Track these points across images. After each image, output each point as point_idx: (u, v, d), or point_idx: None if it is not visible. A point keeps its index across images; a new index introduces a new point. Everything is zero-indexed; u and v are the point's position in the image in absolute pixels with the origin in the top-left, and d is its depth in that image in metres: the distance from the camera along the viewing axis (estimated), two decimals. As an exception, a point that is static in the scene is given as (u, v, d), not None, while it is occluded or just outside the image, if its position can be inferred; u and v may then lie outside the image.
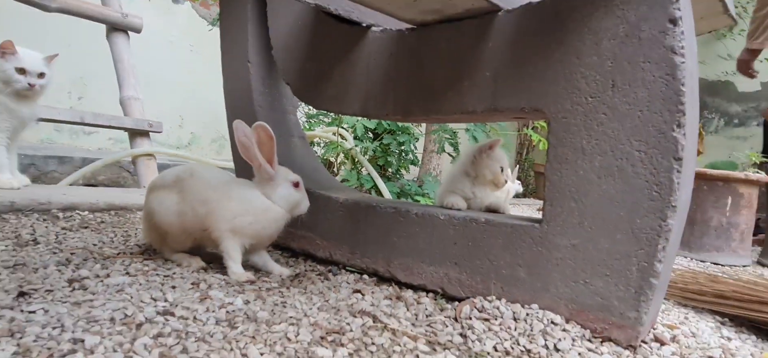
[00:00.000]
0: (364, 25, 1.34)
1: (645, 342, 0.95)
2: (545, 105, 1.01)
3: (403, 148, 3.47)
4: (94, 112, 2.86)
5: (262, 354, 0.74)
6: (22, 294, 0.87)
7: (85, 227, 1.65)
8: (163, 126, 3.16)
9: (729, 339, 1.09)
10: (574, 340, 0.91)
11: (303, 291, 1.12)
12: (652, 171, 0.89)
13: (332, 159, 3.46)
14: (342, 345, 0.82)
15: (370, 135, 3.54)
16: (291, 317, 0.92)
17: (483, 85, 1.10)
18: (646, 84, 0.89)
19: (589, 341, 0.92)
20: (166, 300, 0.93)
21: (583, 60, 0.96)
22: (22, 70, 1.88)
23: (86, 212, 1.92)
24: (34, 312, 0.79)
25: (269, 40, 1.60)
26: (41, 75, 1.94)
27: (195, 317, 0.86)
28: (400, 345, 0.85)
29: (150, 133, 3.03)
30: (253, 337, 0.80)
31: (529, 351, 0.88)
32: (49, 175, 3.11)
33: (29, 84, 1.89)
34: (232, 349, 0.74)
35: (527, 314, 0.99)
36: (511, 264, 1.05)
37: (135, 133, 2.99)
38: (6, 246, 1.25)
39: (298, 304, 1.01)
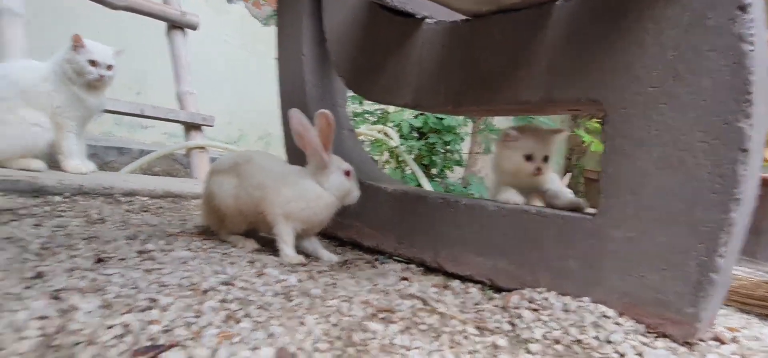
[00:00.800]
0: (418, 17, 1.38)
1: (703, 340, 0.94)
2: (603, 96, 1.01)
3: (448, 147, 3.48)
4: (153, 106, 3.04)
5: (318, 323, 0.79)
6: (99, 260, 0.96)
7: (145, 211, 1.77)
8: (215, 121, 3.32)
9: (797, 347, 1.05)
10: (627, 333, 0.91)
11: (352, 276, 1.17)
12: (715, 162, 0.87)
13: (377, 157, 3.51)
14: (393, 322, 0.86)
15: (416, 134, 3.57)
16: (342, 295, 0.96)
17: (538, 75, 1.12)
18: (710, 73, 0.88)
19: (643, 335, 0.91)
20: (226, 273, 0.99)
21: (644, 49, 0.96)
22: (93, 62, 2.04)
23: (146, 198, 2.05)
24: (111, 275, 0.87)
25: (323, 34, 1.66)
26: (110, 67, 2.10)
27: (254, 289, 0.92)
28: (449, 327, 0.88)
29: (202, 126, 3.18)
30: (309, 309, 0.85)
31: (579, 341, 0.89)
32: (109, 164, 3.32)
33: (100, 75, 2.05)
34: (291, 317, 0.79)
35: (578, 306, 0.99)
36: (562, 256, 1.06)
37: (189, 127, 3.15)
38: (79, 223, 1.37)
39: (349, 286, 1.06)
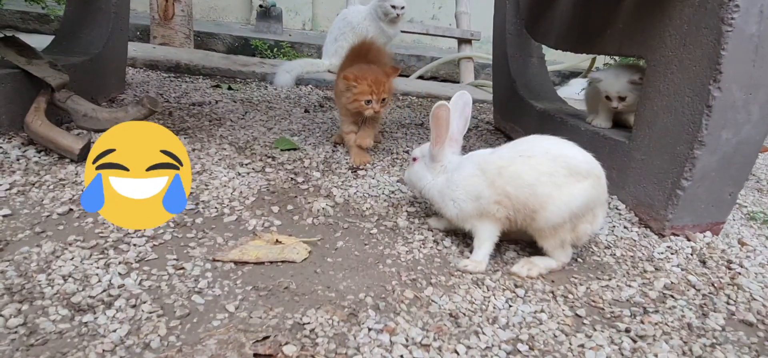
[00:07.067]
0: (562, -19, 1.79)
1: (677, 235, 1.28)
2: (646, 53, 1.35)
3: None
4: (435, 25, 4.01)
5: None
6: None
7: (408, 106, 2.79)
8: (481, 35, 4.06)
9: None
10: (621, 220, 1.36)
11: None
12: (691, 113, 1.19)
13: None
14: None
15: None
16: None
17: (616, 34, 1.48)
18: (702, 46, 1.16)
19: (632, 223, 1.34)
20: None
21: (671, 22, 1.26)
22: (393, 6, 3.09)
23: (414, 97, 3.08)
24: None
25: (519, -14, 2.19)
26: (402, 7, 3.12)
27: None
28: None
29: (472, 40, 3.99)
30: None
31: (582, 217, 1.39)
32: (411, 67, 4.57)
33: (396, 13, 3.10)
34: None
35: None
36: (610, 166, 1.48)
37: (461, 41, 4.01)
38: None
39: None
